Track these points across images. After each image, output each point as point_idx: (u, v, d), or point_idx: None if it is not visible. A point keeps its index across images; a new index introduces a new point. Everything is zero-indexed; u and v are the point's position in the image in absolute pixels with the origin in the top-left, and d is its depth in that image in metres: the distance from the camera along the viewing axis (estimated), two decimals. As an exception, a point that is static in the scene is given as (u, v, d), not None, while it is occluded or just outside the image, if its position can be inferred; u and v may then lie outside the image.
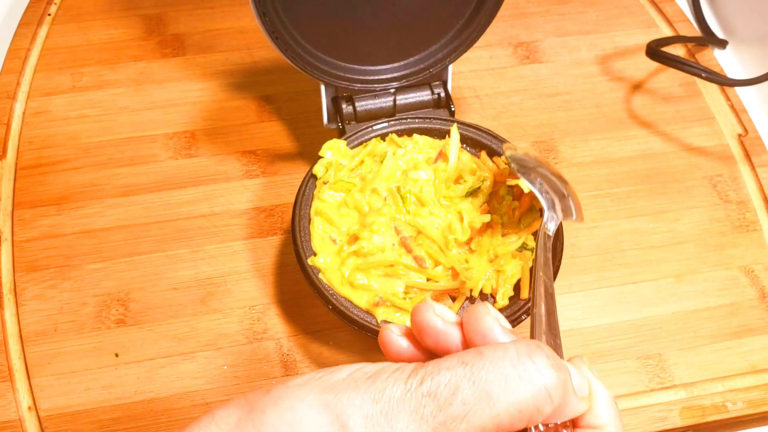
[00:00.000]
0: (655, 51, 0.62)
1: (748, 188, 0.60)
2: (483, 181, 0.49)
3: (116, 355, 0.50)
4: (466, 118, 0.60)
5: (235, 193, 0.58)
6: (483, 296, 0.47)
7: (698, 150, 0.62)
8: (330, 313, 0.46)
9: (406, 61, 0.54)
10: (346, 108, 0.53)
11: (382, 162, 0.50)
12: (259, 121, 0.62)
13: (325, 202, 0.48)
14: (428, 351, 0.29)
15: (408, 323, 0.38)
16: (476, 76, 0.66)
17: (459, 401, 0.24)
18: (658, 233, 0.57)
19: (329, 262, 0.47)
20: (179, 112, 0.62)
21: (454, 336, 0.28)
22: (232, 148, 0.60)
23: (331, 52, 0.51)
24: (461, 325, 0.28)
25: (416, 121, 0.53)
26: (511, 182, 0.48)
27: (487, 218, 0.48)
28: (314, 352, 0.51)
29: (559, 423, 0.26)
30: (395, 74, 0.54)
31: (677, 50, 0.69)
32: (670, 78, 0.67)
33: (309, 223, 0.48)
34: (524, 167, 0.45)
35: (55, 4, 0.69)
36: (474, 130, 0.53)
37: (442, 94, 0.55)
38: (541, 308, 0.30)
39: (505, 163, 0.50)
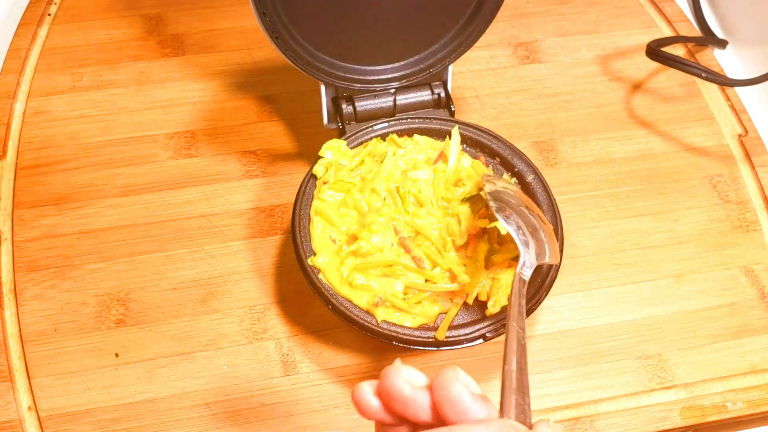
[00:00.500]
0: (655, 51, 0.62)
1: (748, 188, 0.60)
2: (481, 188, 0.49)
3: (116, 355, 0.50)
4: (466, 118, 0.60)
5: (235, 193, 0.58)
6: (477, 302, 0.47)
7: (698, 150, 0.62)
8: (330, 313, 0.46)
9: (406, 61, 0.54)
10: (346, 108, 0.53)
11: (382, 162, 0.50)
12: (259, 121, 0.62)
13: (325, 202, 0.48)
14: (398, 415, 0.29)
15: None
16: (476, 76, 0.66)
17: None
18: (658, 233, 0.57)
19: (329, 262, 0.46)
20: (179, 112, 0.62)
21: (423, 402, 0.28)
22: (232, 148, 0.60)
23: (331, 52, 0.51)
24: (431, 388, 0.28)
25: (416, 121, 0.53)
26: (489, 226, 0.46)
27: (483, 224, 0.47)
28: (314, 352, 0.51)
29: None
30: (395, 74, 0.54)
31: (677, 50, 0.69)
32: (670, 78, 0.67)
33: (309, 223, 0.48)
34: (503, 203, 0.44)
35: (55, 4, 0.69)
36: (474, 131, 0.53)
37: (442, 94, 0.55)
38: (512, 364, 0.30)
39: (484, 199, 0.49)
